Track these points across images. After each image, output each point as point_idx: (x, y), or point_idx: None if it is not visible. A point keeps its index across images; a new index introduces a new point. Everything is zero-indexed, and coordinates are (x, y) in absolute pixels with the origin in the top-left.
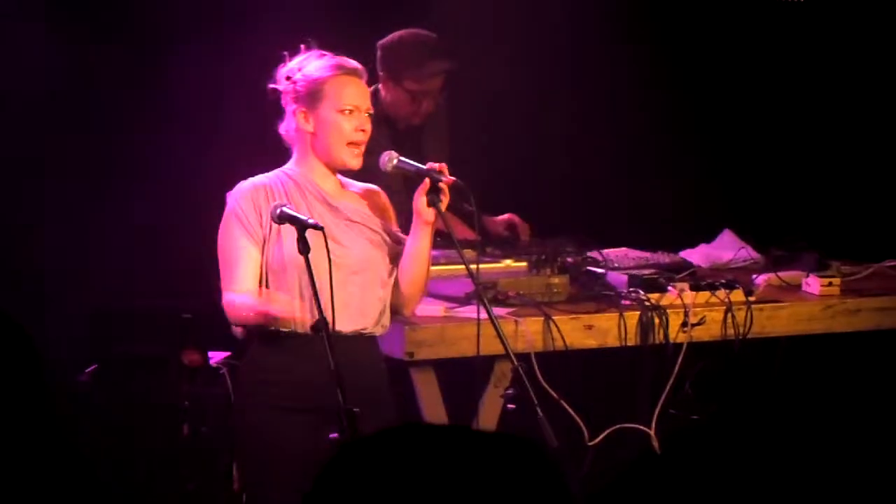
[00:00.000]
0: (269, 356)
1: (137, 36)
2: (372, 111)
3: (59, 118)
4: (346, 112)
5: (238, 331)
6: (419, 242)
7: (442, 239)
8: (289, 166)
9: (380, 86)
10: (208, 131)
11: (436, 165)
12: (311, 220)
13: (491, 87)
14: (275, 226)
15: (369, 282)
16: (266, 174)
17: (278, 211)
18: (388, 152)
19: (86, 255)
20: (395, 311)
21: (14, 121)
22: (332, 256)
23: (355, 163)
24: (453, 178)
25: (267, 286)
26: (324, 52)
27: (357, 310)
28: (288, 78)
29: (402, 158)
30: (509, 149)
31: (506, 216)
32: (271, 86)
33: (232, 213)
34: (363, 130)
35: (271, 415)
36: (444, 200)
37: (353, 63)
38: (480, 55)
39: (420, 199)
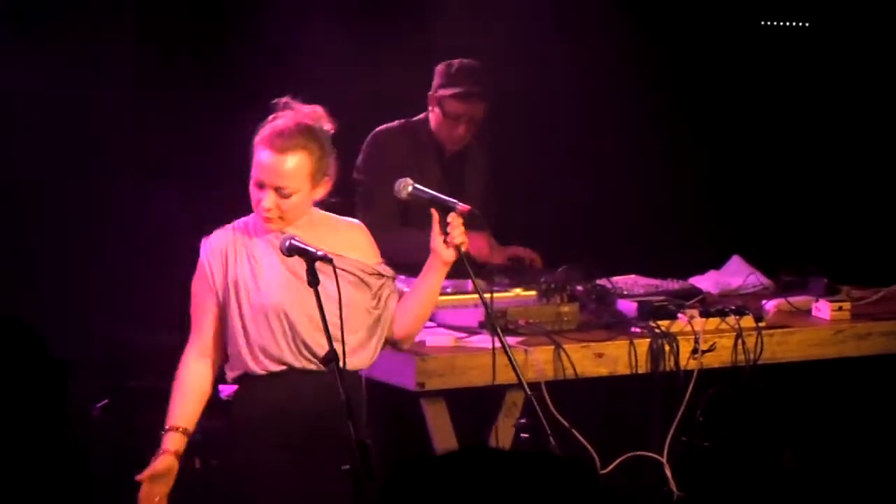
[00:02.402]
0: (261, 393)
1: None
2: (285, 189)
3: (73, 142)
4: (256, 185)
5: (229, 375)
6: (433, 281)
7: (451, 267)
8: None
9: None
10: (220, 171)
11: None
12: (319, 252)
13: (496, 114)
14: (245, 272)
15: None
16: (241, 219)
17: (287, 243)
18: (402, 179)
19: (97, 288)
20: (393, 345)
21: (29, 147)
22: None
23: (273, 227)
24: (468, 206)
25: (246, 334)
26: (281, 114)
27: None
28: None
29: (417, 186)
30: (517, 176)
31: (511, 249)
32: None
33: (199, 266)
34: (265, 210)
35: (268, 454)
36: (460, 232)
37: (284, 134)
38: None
39: (437, 239)
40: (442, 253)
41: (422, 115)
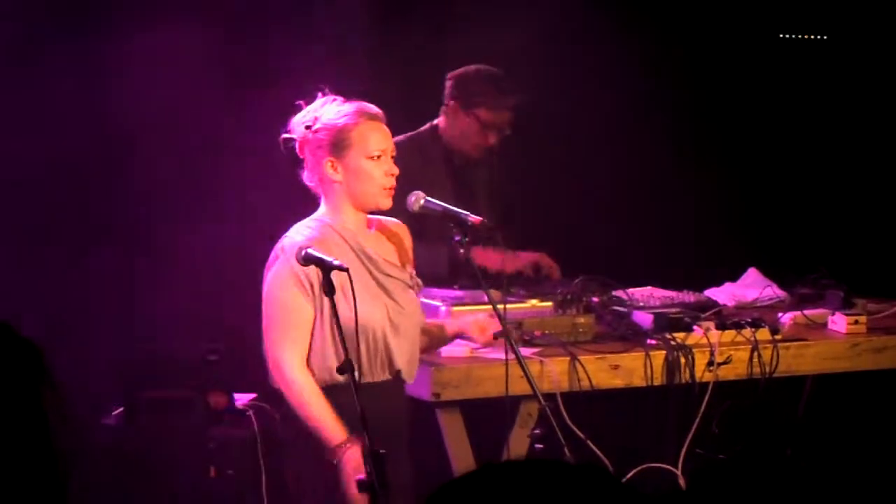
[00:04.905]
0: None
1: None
2: (392, 152)
3: (88, 165)
4: (375, 158)
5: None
6: (447, 339)
7: (468, 279)
8: (325, 215)
9: (440, 120)
10: (228, 178)
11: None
12: (335, 262)
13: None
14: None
15: (411, 332)
16: (309, 226)
17: (303, 253)
18: (415, 192)
19: (112, 298)
20: None
21: (48, 168)
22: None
23: (388, 203)
24: (480, 217)
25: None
26: (341, 98)
27: (406, 358)
28: (308, 127)
29: (429, 199)
30: (533, 188)
31: (534, 255)
32: (286, 136)
33: (291, 272)
34: (392, 174)
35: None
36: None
37: (374, 108)
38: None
39: (475, 331)
40: (482, 339)
41: (427, 126)
